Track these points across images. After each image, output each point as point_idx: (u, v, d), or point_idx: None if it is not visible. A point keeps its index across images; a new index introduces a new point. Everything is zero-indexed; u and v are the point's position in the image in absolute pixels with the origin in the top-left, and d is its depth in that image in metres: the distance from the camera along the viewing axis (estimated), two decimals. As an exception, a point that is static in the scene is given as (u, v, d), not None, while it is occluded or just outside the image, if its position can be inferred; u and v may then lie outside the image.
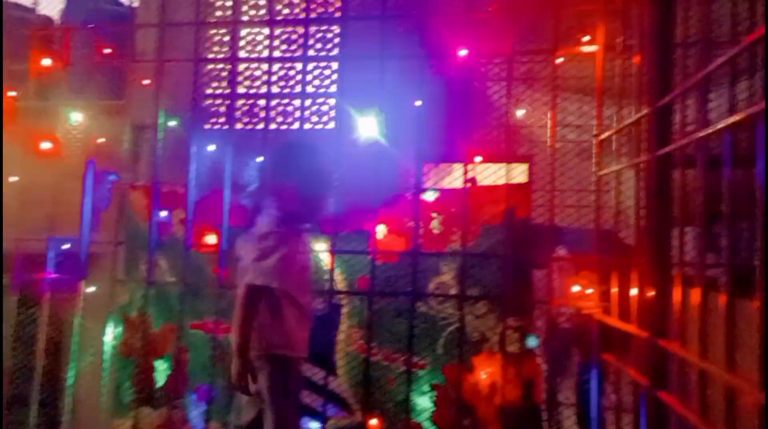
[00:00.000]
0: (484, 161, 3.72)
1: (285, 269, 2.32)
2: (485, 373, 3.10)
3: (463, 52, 3.28)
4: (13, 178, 3.70)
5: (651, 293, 2.07)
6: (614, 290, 2.55)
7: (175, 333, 3.42)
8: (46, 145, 3.62)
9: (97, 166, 3.66)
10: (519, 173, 4.73)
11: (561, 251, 3.42)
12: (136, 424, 3.41)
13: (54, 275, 3.59)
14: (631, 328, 2.25)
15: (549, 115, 3.16)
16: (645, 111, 2.23)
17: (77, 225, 3.52)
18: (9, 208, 3.66)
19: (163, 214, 3.56)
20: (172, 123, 3.90)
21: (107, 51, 3.82)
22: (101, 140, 3.69)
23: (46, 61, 3.79)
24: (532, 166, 4.91)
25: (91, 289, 3.54)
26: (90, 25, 4.04)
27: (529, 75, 4.37)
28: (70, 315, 3.62)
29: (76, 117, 3.75)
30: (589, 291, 2.95)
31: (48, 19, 5.52)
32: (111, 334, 3.46)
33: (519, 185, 3.31)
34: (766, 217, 1.37)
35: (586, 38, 3.11)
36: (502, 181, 3.24)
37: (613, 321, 2.48)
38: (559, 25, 3.16)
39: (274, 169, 2.56)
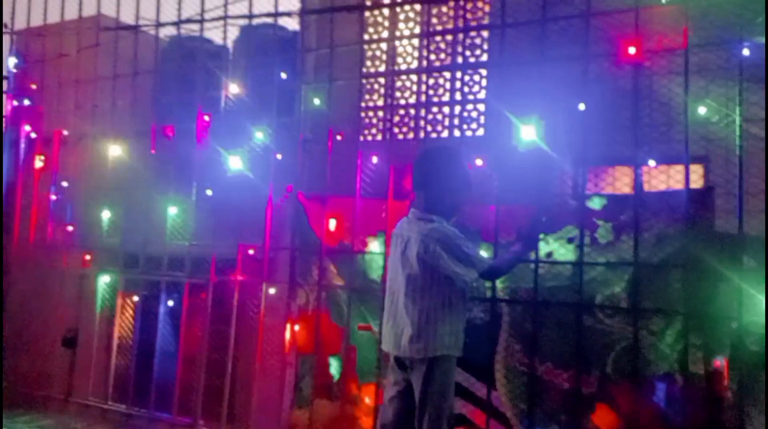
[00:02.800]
0: (657, 164, 3.47)
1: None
2: (662, 394, 2.87)
3: (631, 50, 3.09)
4: (208, 192, 4.25)
5: None
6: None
7: (344, 333, 3.67)
8: (235, 162, 4.09)
9: (276, 179, 4.05)
10: (692, 175, 4.30)
11: (750, 262, 3.05)
12: (313, 414, 3.70)
13: (242, 277, 4.03)
14: None
15: (734, 109, 2.85)
16: None
17: (261, 233, 3.93)
18: (204, 218, 4.19)
19: (332, 222, 3.83)
20: (338, 137, 4.16)
21: (283, 76, 4.21)
22: (279, 156, 4.07)
23: (233, 88, 4.29)
24: (708, 166, 4.43)
25: (272, 290, 3.93)
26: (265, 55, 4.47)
27: (704, 66, 3.98)
28: (255, 314, 4.06)
29: (258, 134, 4.18)
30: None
31: (223, 48, 6.20)
32: (290, 331, 3.81)
33: (699, 190, 3.03)
34: None
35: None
36: (679, 186, 2.98)
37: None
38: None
39: (420, 175, 2.68)
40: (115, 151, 4.61)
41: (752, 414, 3.02)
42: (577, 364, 2.99)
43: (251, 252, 4.00)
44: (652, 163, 3.44)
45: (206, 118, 4.21)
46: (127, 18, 4.79)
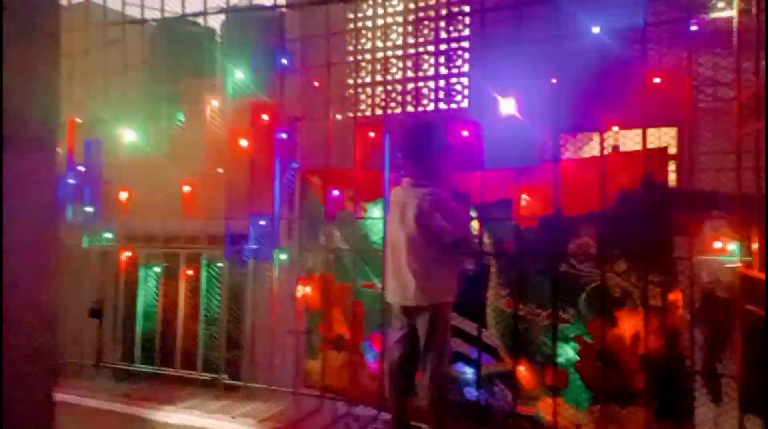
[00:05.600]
0: (624, 128, 3.89)
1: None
2: (628, 325, 3.34)
3: (595, 29, 3.49)
4: (219, 170, 4.63)
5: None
6: (755, 246, 2.69)
7: (350, 290, 4.12)
8: (243, 142, 4.47)
9: (281, 155, 4.45)
10: (667, 138, 4.74)
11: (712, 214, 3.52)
12: (324, 364, 4.17)
13: (255, 246, 4.45)
14: None
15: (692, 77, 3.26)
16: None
17: (270, 205, 4.35)
18: (217, 194, 4.59)
19: (336, 192, 4.25)
20: (338, 116, 4.54)
21: (284, 62, 4.54)
22: (284, 135, 4.46)
23: (238, 72, 4.64)
24: (682, 129, 4.86)
25: (284, 256, 4.36)
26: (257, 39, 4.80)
27: (669, 39, 4.38)
28: (268, 276, 4.50)
29: (264, 116, 4.55)
30: (731, 247, 3.08)
31: (212, 31, 6.46)
32: (301, 290, 4.25)
33: (656, 150, 3.47)
34: None
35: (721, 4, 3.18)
36: (639, 148, 3.42)
37: (755, 272, 2.63)
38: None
39: (411, 147, 3.11)
40: (129, 135, 4.96)
41: (723, 357, 3.51)
42: (554, 302, 3.46)
43: (262, 223, 4.42)
44: (615, 128, 3.86)
45: (215, 102, 4.56)
46: (114, 4, 5.02)
